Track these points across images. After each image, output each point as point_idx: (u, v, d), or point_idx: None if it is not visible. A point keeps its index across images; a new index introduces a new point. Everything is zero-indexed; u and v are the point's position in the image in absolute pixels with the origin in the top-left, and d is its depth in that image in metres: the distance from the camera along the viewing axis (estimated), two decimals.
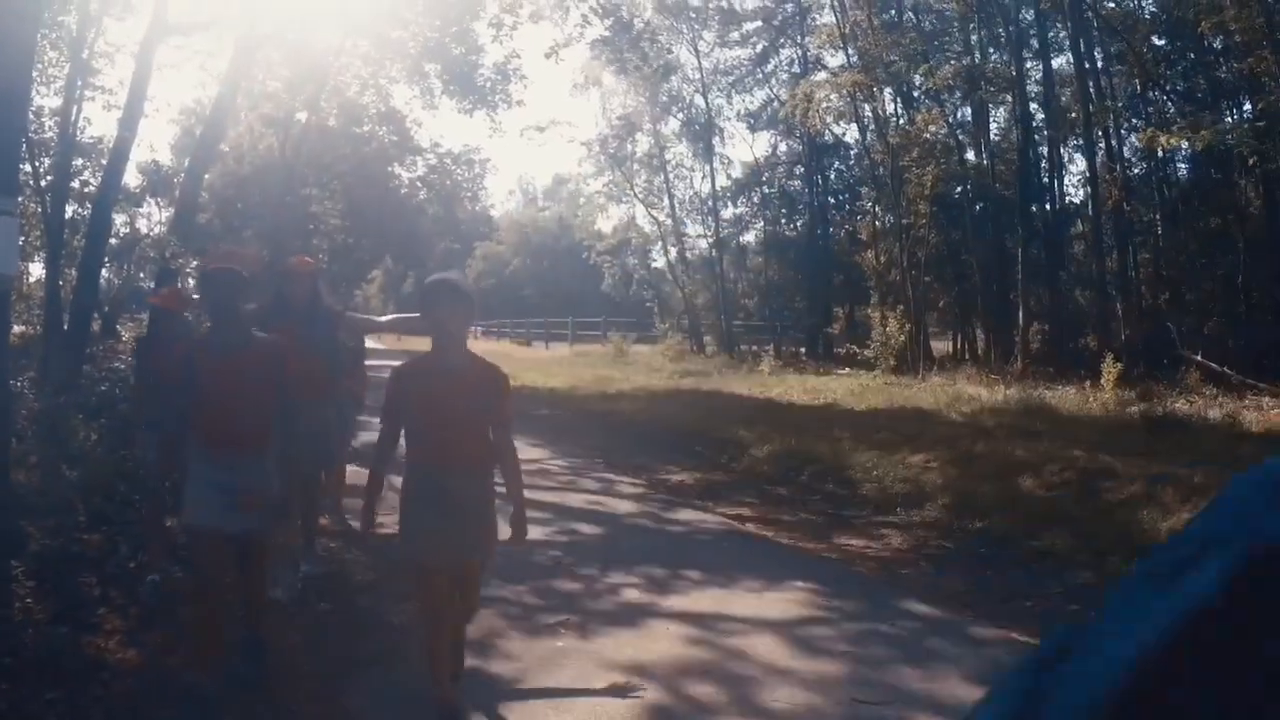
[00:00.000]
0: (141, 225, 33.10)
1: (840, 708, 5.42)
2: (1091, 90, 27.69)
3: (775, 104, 42.71)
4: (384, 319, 10.29)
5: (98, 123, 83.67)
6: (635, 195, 46.05)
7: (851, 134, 39.63)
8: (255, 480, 5.56)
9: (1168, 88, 28.54)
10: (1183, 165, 29.23)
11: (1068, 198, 32.79)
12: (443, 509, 5.09)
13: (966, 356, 33.17)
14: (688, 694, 5.68)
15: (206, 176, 24.60)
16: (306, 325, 7.60)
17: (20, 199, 11.44)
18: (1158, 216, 28.07)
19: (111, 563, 7.46)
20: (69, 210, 21.04)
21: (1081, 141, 28.78)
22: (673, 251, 46.01)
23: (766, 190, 44.87)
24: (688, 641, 6.57)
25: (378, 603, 7.45)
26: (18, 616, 6.04)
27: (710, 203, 43.95)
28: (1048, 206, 31.00)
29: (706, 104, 43.49)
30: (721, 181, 44.78)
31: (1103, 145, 27.88)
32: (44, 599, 6.36)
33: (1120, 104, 28.12)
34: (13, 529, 7.04)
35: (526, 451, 15.54)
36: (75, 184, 20.90)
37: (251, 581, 5.90)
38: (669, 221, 45.52)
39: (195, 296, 9.47)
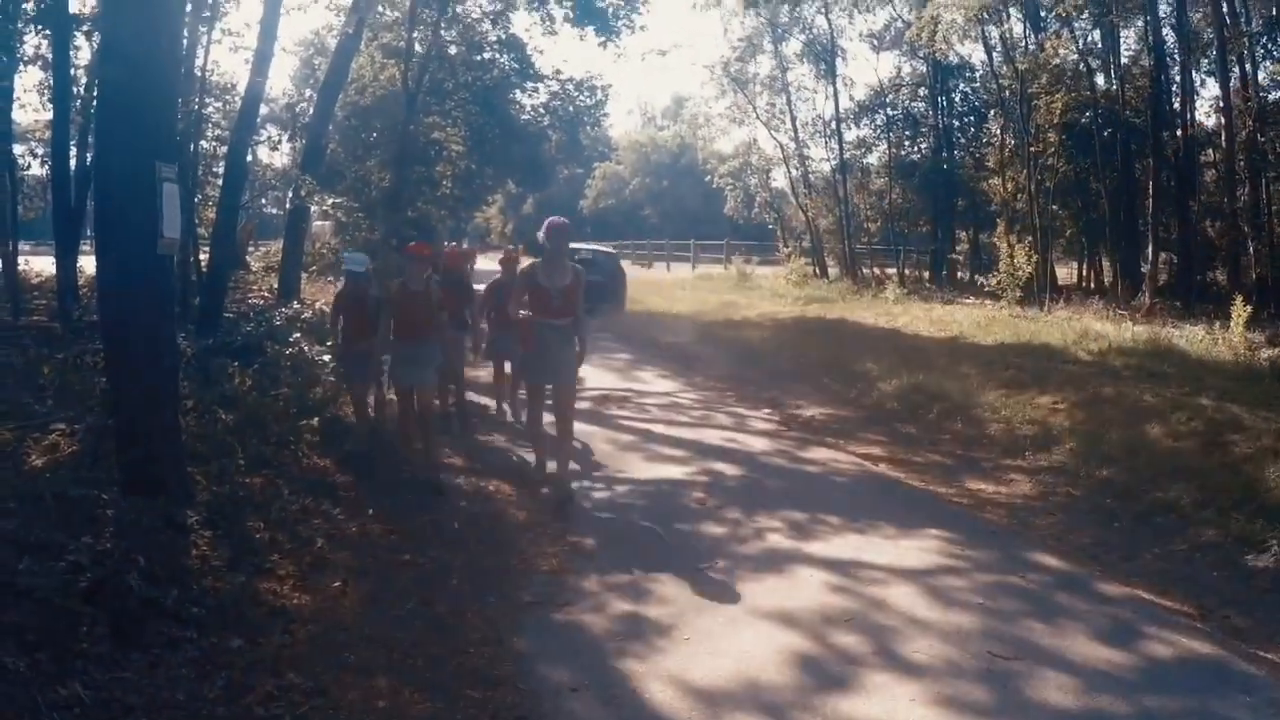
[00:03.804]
0: (262, 153, 33.54)
1: (977, 662, 5.62)
2: (1225, 12, 26.90)
3: (899, 24, 41.95)
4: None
5: (224, 63, 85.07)
6: (757, 117, 45.77)
7: (978, 55, 38.94)
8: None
9: None
10: None
11: (1198, 124, 31.62)
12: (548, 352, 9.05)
13: (1091, 286, 32.71)
14: (833, 643, 5.95)
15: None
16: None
17: None
18: None
19: (275, 506, 7.72)
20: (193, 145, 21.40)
21: (1215, 66, 27.99)
22: (795, 173, 45.76)
23: (890, 112, 44.19)
24: (831, 589, 6.84)
25: (534, 543, 7.82)
26: (196, 564, 6.29)
27: (833, 124, 43.50)
28: (1178, 133, 29.86)
29: (829, 23, 42.90)
30: (844, 103, 44.23)
31: (1236, 71, 27.06)
32: (218, 546, 6.58)
33: (1256, 28, 27.22)
34: (185, 477, 7.37)
35: (657, 383, 15.89)
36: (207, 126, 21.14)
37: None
38: (791, 144, 45.24)
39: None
